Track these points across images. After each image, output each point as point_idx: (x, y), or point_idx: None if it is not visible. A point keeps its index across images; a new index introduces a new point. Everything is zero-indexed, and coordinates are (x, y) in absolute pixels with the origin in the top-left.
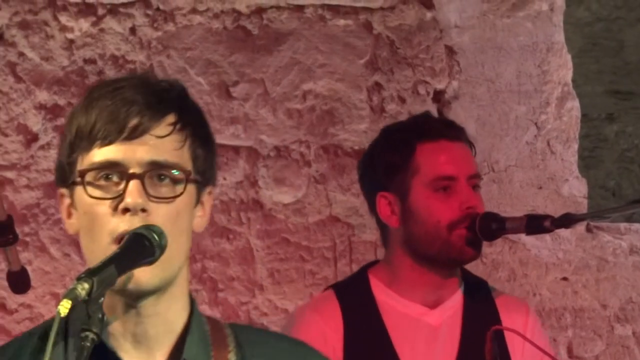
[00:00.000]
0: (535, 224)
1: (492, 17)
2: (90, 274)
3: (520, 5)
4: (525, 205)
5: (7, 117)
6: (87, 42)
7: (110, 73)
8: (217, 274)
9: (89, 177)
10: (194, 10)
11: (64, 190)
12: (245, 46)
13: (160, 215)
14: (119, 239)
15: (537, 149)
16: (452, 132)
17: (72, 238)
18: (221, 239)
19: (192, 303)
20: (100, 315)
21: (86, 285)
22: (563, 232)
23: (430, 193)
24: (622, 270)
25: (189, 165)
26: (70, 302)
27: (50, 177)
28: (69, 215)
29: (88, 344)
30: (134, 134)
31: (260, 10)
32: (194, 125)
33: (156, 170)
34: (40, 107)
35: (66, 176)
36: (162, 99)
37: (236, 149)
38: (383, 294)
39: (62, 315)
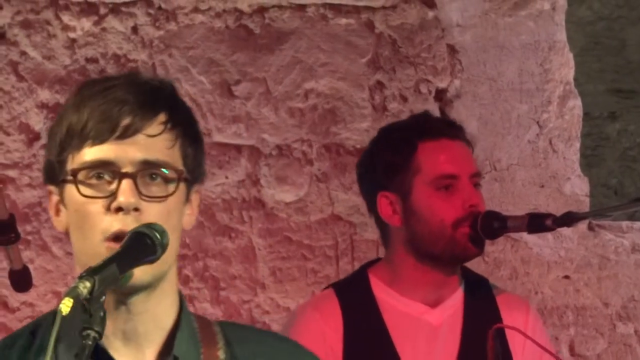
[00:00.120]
0: (537, 223)
1: (494, 16)
2: (91, 272)
3: (522, 4)
4: (527, 203)
5: (9, 116)
6: (89, 41)
7: (112, 72)
8: (219, 273)
9: (80, 175)
10: (196, 9)
11: (52, 188)
12: (247, 45)
13: (152, 214)
14: (112, 238)
15: (539, 147)
16: (452, 131)
17: None
18: (223, 237)
19: (181, 300)
20: (101, 314)
21: (88, 284)
22: (565, 230)
23: (433, 192)
24: (624, 269)
25: (180, 164)
26: (71, 300)
27: None
28: (57, 212)
29: (90, 343)
30: (126, 134)
31: (262, 9)
32: (184, 124)
33: (148, 170)
34: (42, 106)
35: (56, 174)
36: (154, 99)
37: (238, 148)
38: (383, 293)
39: (64, 313)
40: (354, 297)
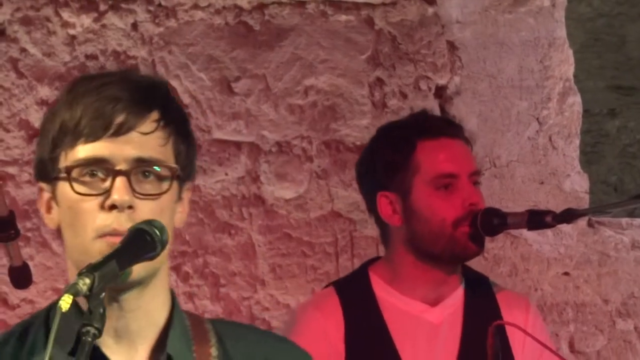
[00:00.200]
0: (537, 219)
1: (494, 13)
2: (91, 269)
3: (521, 1)
4: (526, 200)
5: (9, 113)
6: (89, 38)
7: (112, 69)
8: (219, 269)
9: (74, 173)
10: (195, 6)
11: (44, 185)
12: (246, 42)
13: (146, 211)
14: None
15: (539, 144)
16: (451, 129)
17: None
18: (223, 234)
19: (173, 298)
20: (101, 311)
21: (87, 281)
22: (565, 227)
23: (432, 191)
24: (623, 265)
25: (172, 162)
26: (71, 297)
27: None
28: (49, 209)
29: (90, 339)
30: (120, 131)
31: (261, 6)
32: (177, 121)
33: (142, 167)
34: (42, 102)
35: (48, 171)
36: (147, 96)
37: (238, 145)
38: (384, 292)
39: (64, 310)
40: (355, 295)
